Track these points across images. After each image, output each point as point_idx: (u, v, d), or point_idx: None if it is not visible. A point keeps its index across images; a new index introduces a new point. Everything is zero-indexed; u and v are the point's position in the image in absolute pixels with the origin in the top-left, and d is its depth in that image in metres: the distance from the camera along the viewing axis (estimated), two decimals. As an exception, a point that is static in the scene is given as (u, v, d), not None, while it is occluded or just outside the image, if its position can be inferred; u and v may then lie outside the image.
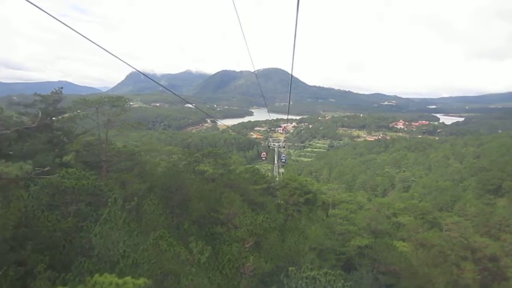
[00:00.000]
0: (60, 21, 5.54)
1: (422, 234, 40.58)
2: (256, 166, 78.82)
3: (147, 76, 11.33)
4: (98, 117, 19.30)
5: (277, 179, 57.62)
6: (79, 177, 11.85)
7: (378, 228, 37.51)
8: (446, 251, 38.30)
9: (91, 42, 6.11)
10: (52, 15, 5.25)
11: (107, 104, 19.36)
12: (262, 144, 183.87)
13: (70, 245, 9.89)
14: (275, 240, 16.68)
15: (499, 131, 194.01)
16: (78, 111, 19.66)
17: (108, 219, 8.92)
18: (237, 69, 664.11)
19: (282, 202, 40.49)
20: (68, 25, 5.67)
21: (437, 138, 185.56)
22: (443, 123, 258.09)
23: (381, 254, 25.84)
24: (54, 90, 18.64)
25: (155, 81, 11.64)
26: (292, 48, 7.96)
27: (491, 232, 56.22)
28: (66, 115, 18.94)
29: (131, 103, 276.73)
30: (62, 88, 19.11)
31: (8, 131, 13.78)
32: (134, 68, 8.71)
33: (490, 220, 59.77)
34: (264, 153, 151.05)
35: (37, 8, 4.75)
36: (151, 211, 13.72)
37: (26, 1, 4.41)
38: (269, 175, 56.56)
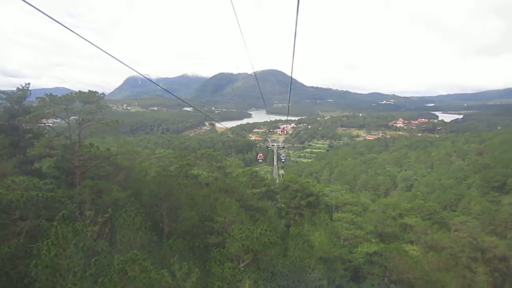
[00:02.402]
0: (68, 28, 5.59)
1: (431, 236, 38.68)
2: (256, 168, 76.80)
3: (148, 79, 10.41)
4: (70, 116, 17.04)
5: (277, 181, 55.64)
6: (28, 187, 9.67)
7: (385, 230, 35.64)
8: (457, 254, 36.53)
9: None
10: (58, 20, 5.23)
11: (78, 101, 17.11)
12: (258, 145, 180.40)
13: (6, 278, 7.65)
14: (277, 254, 14.40)
15: (499, 128, 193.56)
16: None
17: (55, 243, 6.75)
18: (235, 72, 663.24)
19: (283, 205, 38.54)
20: (78, 33, 5.72)
21: (437, 136, 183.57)
22: (442, 120, 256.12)
23: (392, 261, 23.74)
24: (21, 87, 16.46)
25: (156, 83, 11.31)
26: (292, 49, 7.72)
27: (497, 230, 54.46)
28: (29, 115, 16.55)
29: (129, 108, 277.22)
30: (29, 84, 16.96)
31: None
32: (136, 71, 8.22)
33: (496, 218, 58.06)
34: (261, 154, 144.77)
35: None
36: (126, 225, 11.49)
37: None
38: (269, 177, 54.58)
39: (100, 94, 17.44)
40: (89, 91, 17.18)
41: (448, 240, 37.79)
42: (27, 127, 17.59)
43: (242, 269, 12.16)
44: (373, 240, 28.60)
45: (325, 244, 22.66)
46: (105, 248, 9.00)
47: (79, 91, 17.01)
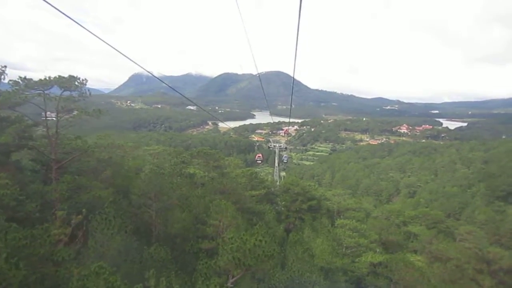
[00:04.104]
0: (77, 22, 5.48)
1: (436, 245, 37.19)
2: (257, 169, 75.36)
3: (154, 76, 10.86)
4: (46, 103, 15.48)
5: (278, 183, 54.12)
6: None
7: (389, 239, 34.13)
8: (462, 265, 35.09)
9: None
10: (69, 16, 5.15)
11: (56, 87, 15.52)
12: (258, 144, 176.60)
13: None
14: (273, 267, 12.78)
15: (503, 137, 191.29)
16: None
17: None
18: (239, 72, 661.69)
19: (283, 209, 37.10)
20: (88, 29, 5.74)
21: (441, 143, 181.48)
22: (446, 127, 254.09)
23: (397, 273, 22.15)
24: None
25: (161, 81, 12.26)
26: (294, 52, 7.83)
27: (502, 240, 53.03)
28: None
29: (133, 104, 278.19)
30: (5, 67, 15.50)
31: None
32: (142, 67, 8.33)
33: (500, 228, 56.66)
34: (260, 154, 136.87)
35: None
36: (101, 228, 10.02)
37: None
38: (269, 179, 53.15)
39: (82, 80, 15.91)
40: (69, 75, 15.67)
41: (454, 251, 36.30)
42: (4, 115, 16.19)
43: (231, 285, 10.61)
44: (377, 250, 27.01)
45: (326, 252, 21.16)
46: (68, 258, 7.55)
47: (59, 76, 15.52)
